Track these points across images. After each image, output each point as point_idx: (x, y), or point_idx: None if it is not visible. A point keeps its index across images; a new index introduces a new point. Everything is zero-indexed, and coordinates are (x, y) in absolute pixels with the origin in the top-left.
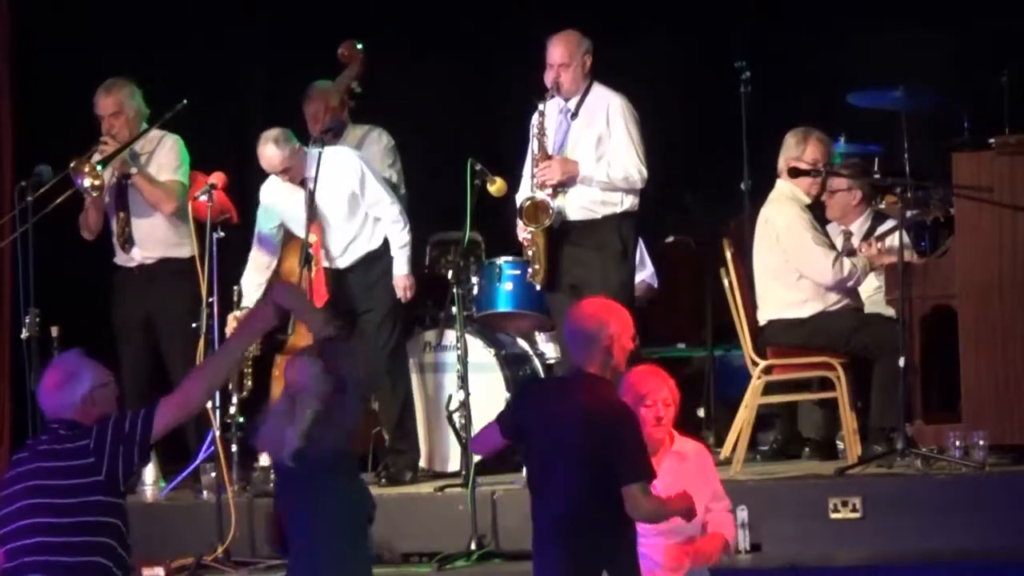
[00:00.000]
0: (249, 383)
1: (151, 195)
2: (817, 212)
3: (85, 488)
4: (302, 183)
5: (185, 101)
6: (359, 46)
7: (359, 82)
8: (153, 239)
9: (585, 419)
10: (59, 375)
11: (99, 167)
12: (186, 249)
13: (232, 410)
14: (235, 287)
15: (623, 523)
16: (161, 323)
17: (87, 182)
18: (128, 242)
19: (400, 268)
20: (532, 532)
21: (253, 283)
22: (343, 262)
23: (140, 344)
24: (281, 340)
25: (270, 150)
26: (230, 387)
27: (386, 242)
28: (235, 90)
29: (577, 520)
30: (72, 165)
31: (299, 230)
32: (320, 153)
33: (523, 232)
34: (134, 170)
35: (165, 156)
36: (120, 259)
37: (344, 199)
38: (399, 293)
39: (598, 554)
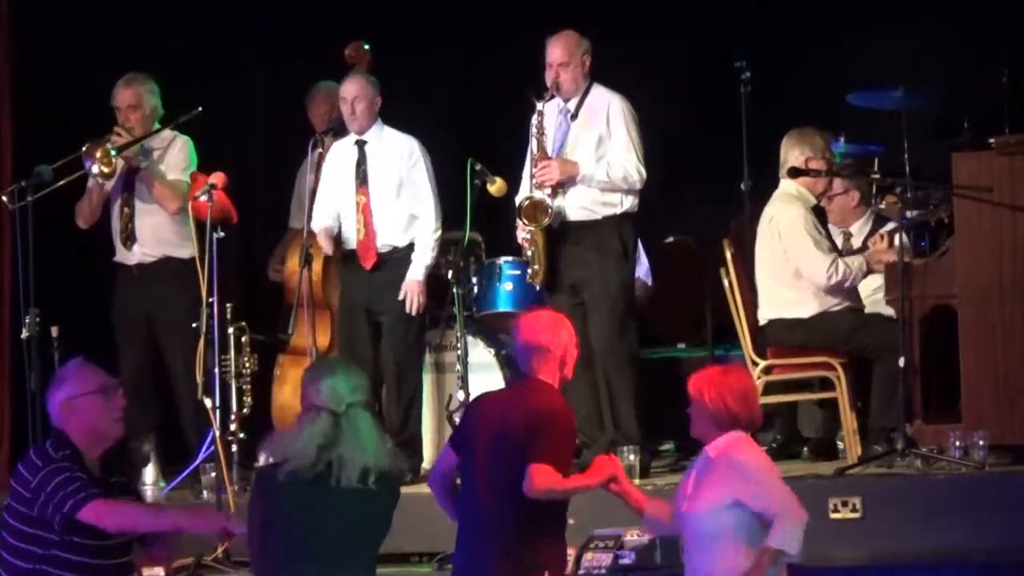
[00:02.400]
0: (249, 399)
1: (157, 191)
2: (821, 213)
3: (23, 518)
4: (359, 143)
5: (200, 108)
6: (366, 47)
7: None
8: (155, 238)
9: (527, 416)
10: (52, 380)
11: (113, 153)
12: (187, 250)
13: (232, 427)
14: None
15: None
16: (161, 323)
17: (96, 168)
18: (130, 239)
19: (416, 273)
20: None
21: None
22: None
23: (141, 344)
24: (284, 340)
25: (354, 83)
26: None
27: (412, 245)
28: (235, 90)
29: (512, 515)
30: (85, 148)
31: (343, 190)
32: (320, 153)
33: (522, 232)
34: (144, 164)
35: (175, 156)
36: (120, 256)
37: (394, 179)
38: (403, 295)
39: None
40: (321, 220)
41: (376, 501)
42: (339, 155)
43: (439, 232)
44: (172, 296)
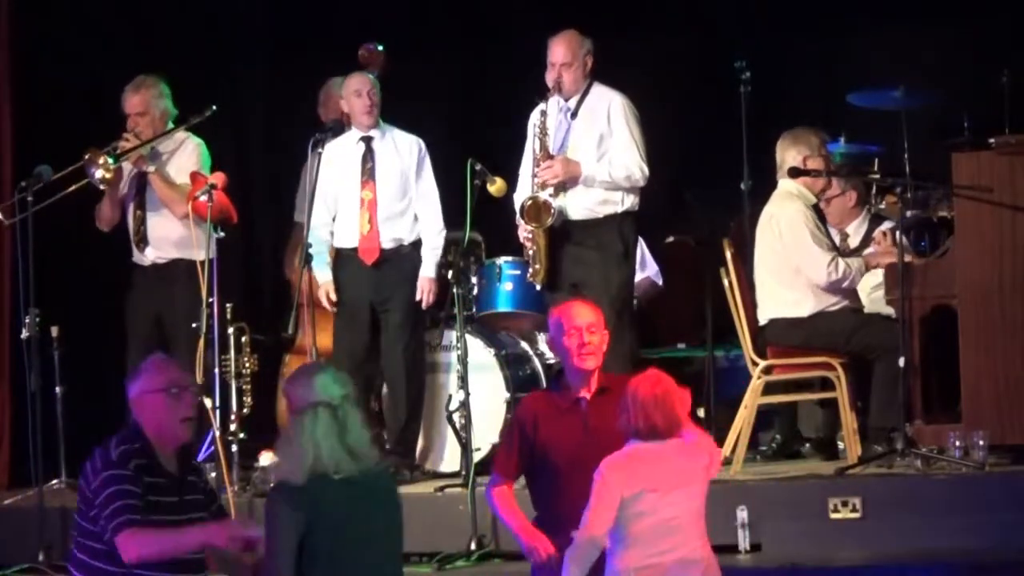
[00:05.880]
0: (249, 399)
1: (165, 195)
2: (820, 213)
3: (88, 533)
4: (364, 140)
5: (214, 107)
6: (380, 48)
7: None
8: (167, 240)
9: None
10: (131, 372)
11: (111, 160)
12: (200, 252)
13: (232, 427)
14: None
15: None
16: (169, 323)
17: (99, 173)
18: (143, 241)
19: (428, 270)
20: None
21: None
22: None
23: (148, 342)
24: (288, 339)
25: (360, 78)
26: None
27: (418, 242)
28: (234, 91)
29: None
30: (87, 156)
31: (345, 187)
32: (320, 153)
33: (524, 231)
34: (152, 168)
35: (186, 159)
36: (136, 257)
37: (396, 176)
38: (419, 295)
39: None
40: (320, 235)
41: (394, 491)
42: (341, 152)
43: (444, 229)
44: (182, 298)
